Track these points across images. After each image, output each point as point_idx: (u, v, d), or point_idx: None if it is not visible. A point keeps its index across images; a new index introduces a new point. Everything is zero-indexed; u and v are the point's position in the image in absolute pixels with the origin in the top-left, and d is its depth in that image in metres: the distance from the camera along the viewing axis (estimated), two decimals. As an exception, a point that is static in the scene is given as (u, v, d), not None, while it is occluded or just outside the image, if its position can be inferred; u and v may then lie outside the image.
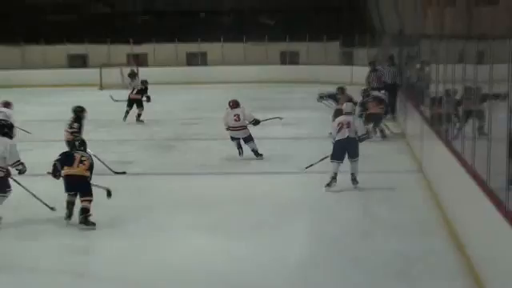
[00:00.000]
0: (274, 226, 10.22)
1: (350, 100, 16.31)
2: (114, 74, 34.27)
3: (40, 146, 17.37)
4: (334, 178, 12.31)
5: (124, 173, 13.93)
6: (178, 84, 33.17)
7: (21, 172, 10.82)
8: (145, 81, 22.94)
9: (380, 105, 17.52)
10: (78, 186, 10.48)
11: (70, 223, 10.35)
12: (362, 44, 35.10)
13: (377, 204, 11.38)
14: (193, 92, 29.03)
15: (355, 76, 31.75)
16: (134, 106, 21.63)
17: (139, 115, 21.52)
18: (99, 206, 11.43)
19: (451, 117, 10.80)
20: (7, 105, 17.33)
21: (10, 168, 10.59)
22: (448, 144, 10.29)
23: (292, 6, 38.79)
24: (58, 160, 10.67)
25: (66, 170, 10.56)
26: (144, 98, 21.80)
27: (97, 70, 35.42)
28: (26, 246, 9.52)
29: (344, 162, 12.29)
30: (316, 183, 12.73)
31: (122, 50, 38.91)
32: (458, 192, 9.13)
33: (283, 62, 38.06)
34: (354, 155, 12.33)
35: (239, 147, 15.33)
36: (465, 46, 9.49)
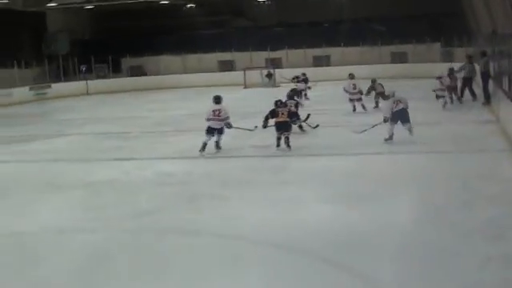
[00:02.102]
0: (386, 196, 10.06)
1: (381, 86, 20.97)
2: (254, 76, 34.72)
3: (197, 134, 17.80)
4: (391, 137, 14.55)
5: (317, 126, 16.79)
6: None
7: (229, 125, 14.50)
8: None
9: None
10: (283, 127, 14.44)
11: (278, 149, 14.29)
12: (460, 44, 34.18)
13: (475, 177, 10.97)
14: (319, 89, 28.92)
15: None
16: None
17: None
18: (246, 181, 11.68)
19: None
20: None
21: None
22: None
23: (400, 14, 38.19)
24: (266, 116, 14.91)
25: (275, 119, 14.56)
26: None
27: (241, 73, 36.05)
28: (190, 214, 9.82)
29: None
30: (422, 161, 12.56)
31: (261, 56, 39.43)
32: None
33: (393, 61, 37.48)
34: (406, 120, 14.66)
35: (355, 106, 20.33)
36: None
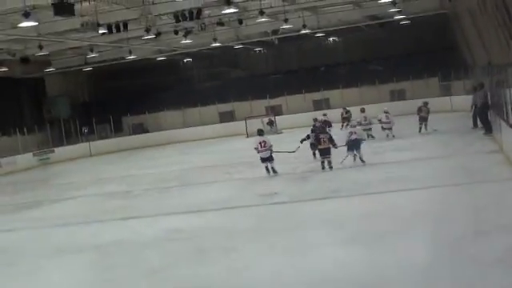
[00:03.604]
0: (399, 234, 9.88)
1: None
2: (256, 124, 34.77)
3: (201, 187, 17.78)
4: (344, 160, 17.44)
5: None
6: (307, 127, 33.05)
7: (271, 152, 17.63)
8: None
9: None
10: (326, 152, 17.28)
11: (324, 171, 17.12)
12: (458, 77, 34.30)
13: (486, 208, 10.83)
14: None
15: (454, 104, 31.43)
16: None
17: None
18: (255, 230, 11.49)
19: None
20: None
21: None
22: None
23: (395, 53, 38.42)
24: (312, 144, 19.02)
25: (319, 146, 17.53)
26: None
27: (242, 122, 36.07)
28: (200, 269, 9.63)
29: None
30: (431, 198, 12.40)
31: (261, 104, 39.61)
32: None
33: (392, 99, 37.52)
34: (359, 148, 17.44)
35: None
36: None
